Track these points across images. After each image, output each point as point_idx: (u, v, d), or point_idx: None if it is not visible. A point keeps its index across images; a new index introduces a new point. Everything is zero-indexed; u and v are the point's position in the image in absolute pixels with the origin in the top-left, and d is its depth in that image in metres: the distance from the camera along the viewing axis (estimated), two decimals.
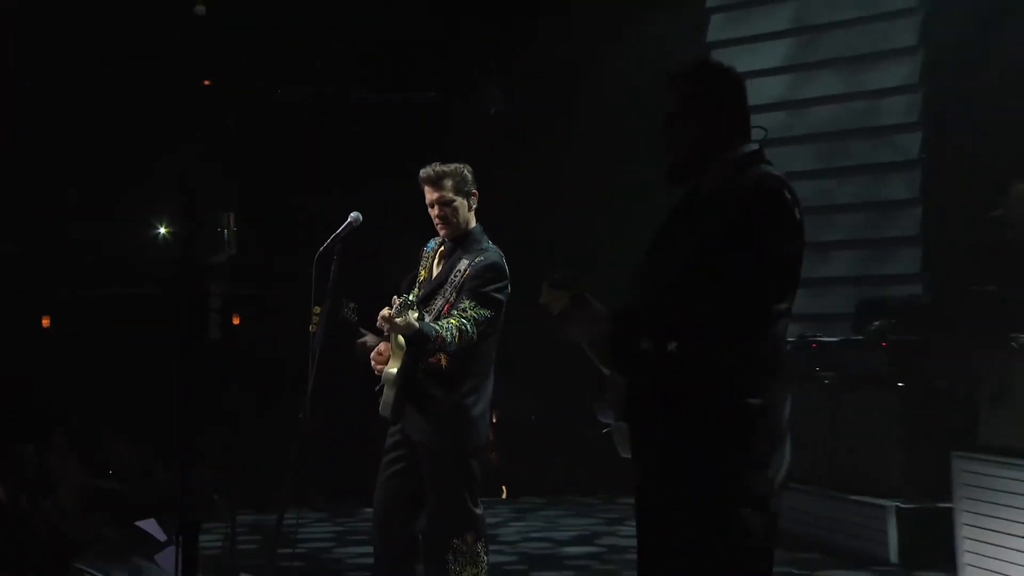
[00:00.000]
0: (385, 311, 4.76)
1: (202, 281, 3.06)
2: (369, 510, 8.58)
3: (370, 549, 7.40)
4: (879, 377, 6.82)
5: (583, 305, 3.02)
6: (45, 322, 9.00)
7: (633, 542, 5.93)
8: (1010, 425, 5.89)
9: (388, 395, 4.93)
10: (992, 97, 7.73)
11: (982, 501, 5.93)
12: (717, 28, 9.31)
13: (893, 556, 6.46)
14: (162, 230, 9.60)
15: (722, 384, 2.97)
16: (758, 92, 7.84)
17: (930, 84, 8.31)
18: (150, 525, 5.55)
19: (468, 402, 4.85)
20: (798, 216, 3.01)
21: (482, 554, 4.88)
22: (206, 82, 9.62)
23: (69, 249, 8.96)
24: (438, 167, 4.93)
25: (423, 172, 4.94)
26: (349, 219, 5.16)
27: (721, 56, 9.08)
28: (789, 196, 3.00)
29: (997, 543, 5.82)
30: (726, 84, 3.16)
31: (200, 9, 8.99)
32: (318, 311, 5.18)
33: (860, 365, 7.14)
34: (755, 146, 3.15)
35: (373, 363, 5.06)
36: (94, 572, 4.60)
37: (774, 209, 2.99)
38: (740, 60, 8.87)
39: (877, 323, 7.05)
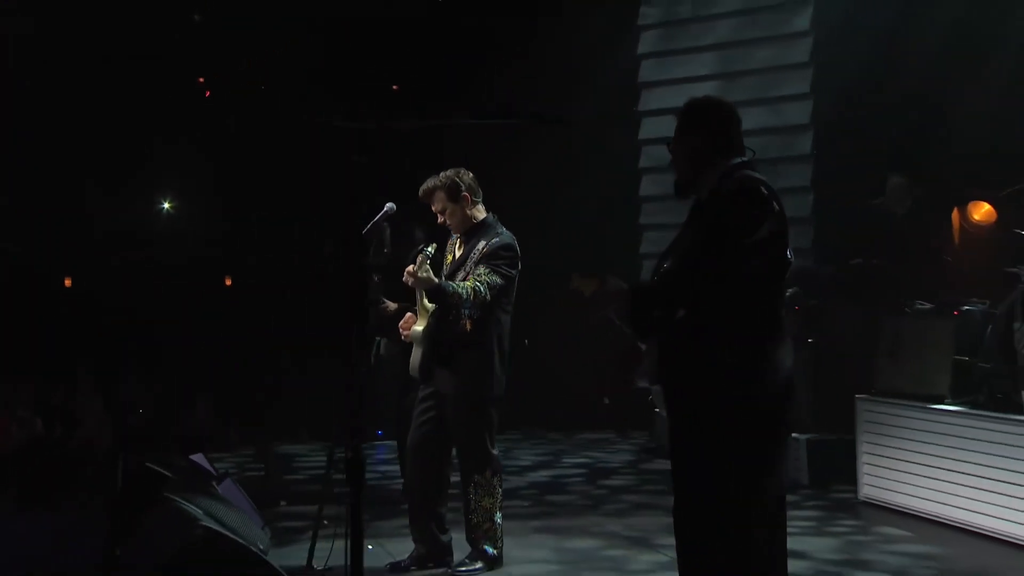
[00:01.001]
0: (410, 267, 4.98)
1: (365, 278, 3.18)
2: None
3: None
4: (793, 335, 7.10)
5: (610, 285, 3.33)
6: (67, 282, 8.99)
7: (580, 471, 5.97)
8: (902, 374, 6.33)
9: (416, 354, 5.13)
10: (871, 104, 8.17)
11: (879, 434, 6.36)
12: (647, 42, 9.53)
13: (806, 480, 6.84)
14: (165, 205, 9.59)
15: (723, 342, 3.25)
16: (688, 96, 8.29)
17: (819, 93, 8.70)
18: (200, 459, 5.57)
19: (488, 360, 5.05)
20: (776, 206, 3.29)
21: (497, 486, 5.12)
22: (200, 79, 9.55)
23: (86, 221, 8.91)
24: (427, 185, 5.14)
25: (419, 192, 5.16)
26: (385, 208, 5.33)
27: (650, 66, 9.43)
28: (765, 191, 3.30)
29: (890, 467, 6.28)
30: (711, 114, 3.47)
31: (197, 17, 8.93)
32: None
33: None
34: (743, 159, 3.44)
35: (401, 329, 5.28)
36: (183, 503, 4.47)
37: (751, 201, 3.28)
38: (668, 71, 9.23)
39: (791, 291, 7.32)
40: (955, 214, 7.87)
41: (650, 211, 9.34)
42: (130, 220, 9.10)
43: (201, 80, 9.47)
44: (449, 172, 5.15)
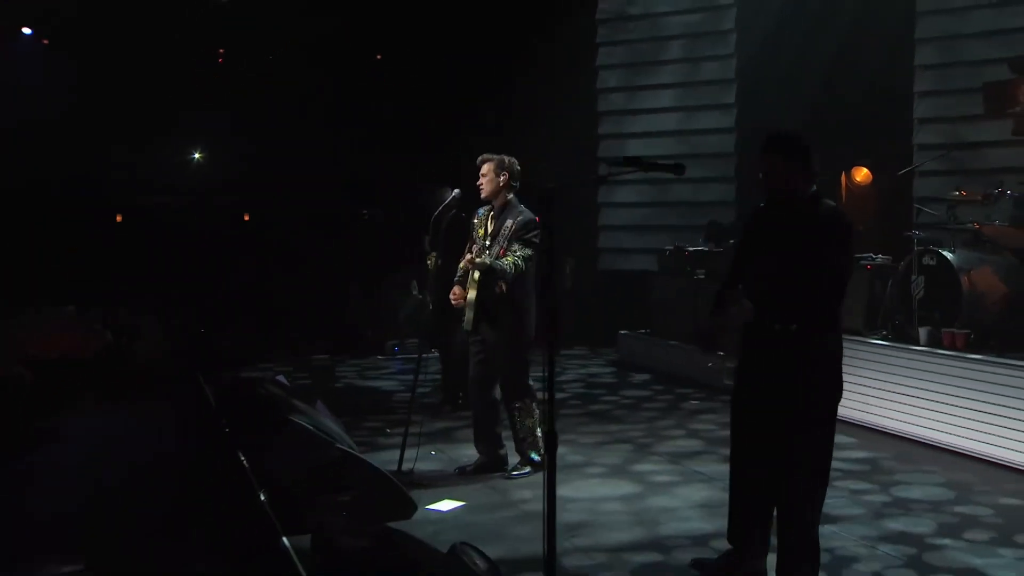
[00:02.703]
0: (468, 255, 5.29)
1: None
2: (379, 357, 9.15)
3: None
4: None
5: (743, 303, 3.62)
6: (118, 218, 8.85)
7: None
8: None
9: (468, 315, 5.40)
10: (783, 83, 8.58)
11: None
12: (604, 79, 9.94)
13: None
14: (196, 155, 9.39)
15: (825, 341, 3.60)
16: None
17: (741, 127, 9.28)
18: (281, 378, 5.49)
19: (523, 314, 5.33)
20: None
21: (535, 408, 5.43)
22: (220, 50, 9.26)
23: (133, 168, 8.72)
24: (486, 155, 5.40)
25: (478, 158, 5.41)
26: (453, 194, 5.56)
27: (607, 99, 9.86)
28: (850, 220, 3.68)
29: None
30: (805, 147, 3.65)
31: None
32: (434, 255, 5.62)
33: (715, 266, 7.80)
34: (815, 187, 3.67)
35: (452, 299, 5.50)
36: (309, 426, 4.34)
37: (851, 231, 3.64)
38: (629, 104, 9.70)
39: (731, 242, 7.72)
40: (842, 177, 8.37)
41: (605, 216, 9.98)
42: (166, 170, 8.90)
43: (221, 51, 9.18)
44: (505, 156, 5.35)
